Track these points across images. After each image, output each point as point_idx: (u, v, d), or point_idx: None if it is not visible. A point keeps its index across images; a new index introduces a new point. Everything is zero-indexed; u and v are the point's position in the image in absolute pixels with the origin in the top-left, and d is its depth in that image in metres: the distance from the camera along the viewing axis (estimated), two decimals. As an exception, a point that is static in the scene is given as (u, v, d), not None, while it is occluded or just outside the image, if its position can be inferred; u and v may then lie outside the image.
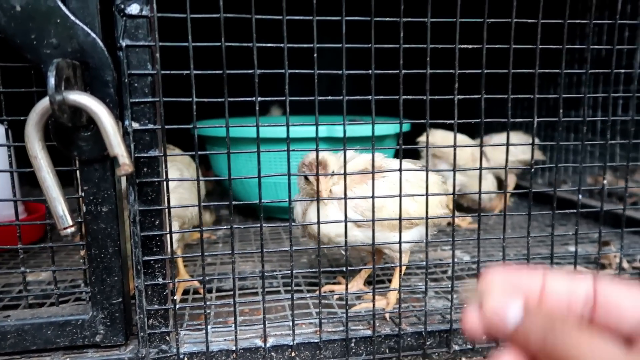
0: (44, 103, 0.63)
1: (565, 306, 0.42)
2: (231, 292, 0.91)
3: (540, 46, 0.82)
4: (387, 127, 1.55)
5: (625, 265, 1.22)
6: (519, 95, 0.84)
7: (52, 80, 0.60)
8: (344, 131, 0.77)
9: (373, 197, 0.80)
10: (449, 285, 0.89)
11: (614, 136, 1.57)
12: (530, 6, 0.81)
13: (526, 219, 0.86)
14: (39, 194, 0.68)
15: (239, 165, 1.49)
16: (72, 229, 0.65)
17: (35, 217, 1.43)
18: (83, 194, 0.73)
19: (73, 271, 1.15)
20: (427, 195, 0.82)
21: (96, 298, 0.76)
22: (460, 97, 0.81)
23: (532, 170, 0.86)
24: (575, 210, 0.90)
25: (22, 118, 0.70)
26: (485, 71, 0.81)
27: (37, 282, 1.09)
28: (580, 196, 0.90)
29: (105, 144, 0.64)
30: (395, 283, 0.96)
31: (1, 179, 1.23)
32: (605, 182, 0.90)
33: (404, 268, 1.03)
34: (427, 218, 0.84)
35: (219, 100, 0.74)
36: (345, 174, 0.80)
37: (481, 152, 0.86)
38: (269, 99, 0.76)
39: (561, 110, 0.85)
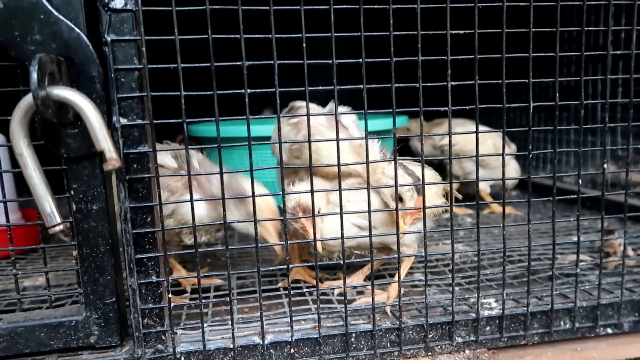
0: (27, 99, 0.62)
1: None
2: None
3: (534, 29, 0.80)
4: (383, 122, 1.54)
5: (630, 252, 1.20)
6: (514, 80, 0.82)
7: (34, 75, 0.59)
8: (336, 120, 0.76)
9: (368, 187, 0.78)
10: (450, 278, 0.87)
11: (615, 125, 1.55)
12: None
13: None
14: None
15: (232, 164, 1.48)
16: (61, 226, 0.64)
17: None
18: (72, 193, 0.72)
19: (70, 275, 1.14)
20: (423, 184, 0.81)
21: (89, 298, 0.75)
22: (453, 83, 0.80)
23: (530, 156, 0.85)
24: (576, 196, 0.88)
25: (9, 118, 0.70)
26: (478, 56, 0.79)
27: (34, 287, 1.08)
28: (580, 181, 0.88)
29: (92, 140, 0.63)
30: (397, 276, 0.94)
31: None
32: (605, 166, 0.88)
33: (409, 262, 1.02)
34: (424, 207, 0.83)
35: (208, 93, 0.73)
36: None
37: (476, 141, 0.84)
38: (259, 90, 0.75)
39: (557, 94, 0.84)
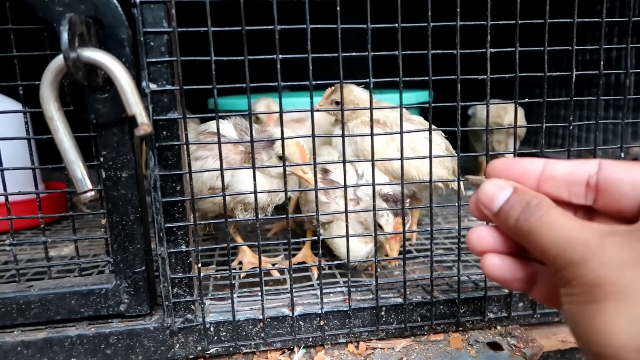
0: (58, 61, 0.60)
1: (565, 190, 0.45)
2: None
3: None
4: (410, 96, 1.50)
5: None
6: (556, 47, 0.78)
7: (65, 35, 0.57)
8: (370, 86, 0.73)
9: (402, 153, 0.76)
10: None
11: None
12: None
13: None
14: (60, 175, 0.65)
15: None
16: (92, 192, 0.63)
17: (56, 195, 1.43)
18: (102, 160, 0.70)
19: (96, 246, 1.14)
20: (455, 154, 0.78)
21: (119, 267, 0.74)
22: (492, 50, 0.77)
23: (571, 127, 0.81)
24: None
25: (37, 83, 0.68)
26: (520, 22, 0.76)
27: (59, 257, 1.09)
28: (622, 154, 0.85)
29: (123, 104, 0.61)
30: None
31: (21, 158, 1.23)
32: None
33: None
34: (459, 180, 0.80)
35: (239, 58, 0.70)
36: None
37: (516, 113, 0.81)
38: (290, 56, 0.72)
39: (602, 62, 0.80)
